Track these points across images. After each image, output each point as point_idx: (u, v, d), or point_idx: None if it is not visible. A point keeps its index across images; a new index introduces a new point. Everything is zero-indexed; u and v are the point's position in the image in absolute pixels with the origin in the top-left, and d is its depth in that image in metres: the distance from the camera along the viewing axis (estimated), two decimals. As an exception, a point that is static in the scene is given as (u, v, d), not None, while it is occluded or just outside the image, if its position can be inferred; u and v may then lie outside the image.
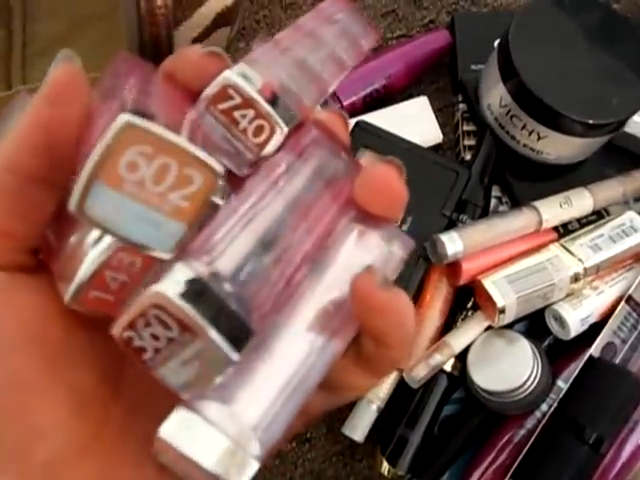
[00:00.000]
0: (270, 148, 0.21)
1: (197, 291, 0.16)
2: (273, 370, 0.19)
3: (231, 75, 0.21)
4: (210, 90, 0.21)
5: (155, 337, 0.16)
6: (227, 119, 0.21)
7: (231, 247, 0.18)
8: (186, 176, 0.17)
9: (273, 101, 0.21)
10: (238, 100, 0.21)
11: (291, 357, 0.19)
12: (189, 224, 0.18)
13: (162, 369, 0.17)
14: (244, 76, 0.21)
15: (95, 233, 0.18)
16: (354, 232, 0.22)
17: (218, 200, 0.19)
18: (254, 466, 0.17)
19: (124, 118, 0.17)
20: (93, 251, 0.18)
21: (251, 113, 0.21)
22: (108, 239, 0.18)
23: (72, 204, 0.17)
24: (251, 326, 0.17)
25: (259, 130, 0.21)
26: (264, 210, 0.19)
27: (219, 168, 0.18)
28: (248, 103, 0.21)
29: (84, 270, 0.18)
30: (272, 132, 0.21)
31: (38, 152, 0.19)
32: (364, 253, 0.22)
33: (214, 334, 0.16)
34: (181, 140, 0.17)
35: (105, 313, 0.19)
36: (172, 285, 0.16)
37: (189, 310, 0.16)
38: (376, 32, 0.27)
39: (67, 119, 0.19)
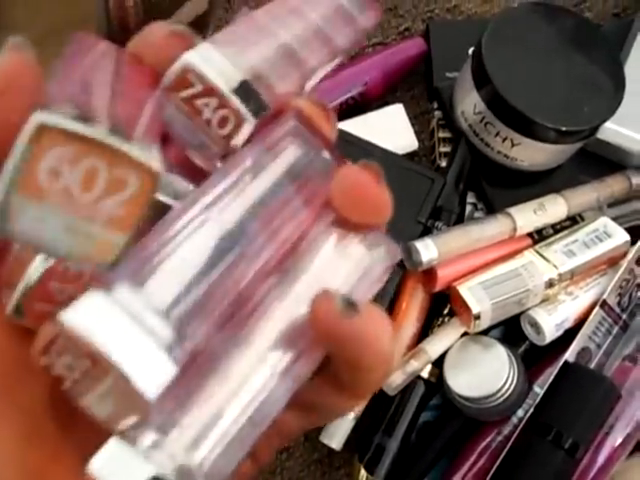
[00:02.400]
0: (236, 141, 0.19)
1: (111, 322, 0.15)
2: (226, 396, 0.17)
3: (191, 59, 0.18)
4: (169, 76, 0.18)
5: (70, 368, 0.15)
6: (189, 108, 0.18)
7: (167, 267, 0.16)
8: (118, 179, 0.15)
9: (239, 88, 0.19)
10: (199, 87, 0.18)
11: (248, 382, 0.17)
12: (128, 233, 0.16)
13: (84, 399, 0.15)
14: (207, 59, 0.18)
15: None
16: (332, 238, 0.19)
17: (167, 200, 0.18)
18: None
19: (37, 118, 0.14)
20: (37, 259, 0.16)
21: (214, 102, 0.18)
22: None
23: None
24: (174, 362, 0.15)
25: (224, 121, 0.19)
26: (219, 215, 0.17)
27: (156, 165, 0.15)
28: (210, 91, 0.18)
29: (27, 280, 0.16)
30: (238, 123, 0.19)
31: None
32: (342, 262, 0.19)
33: (126, 371, 0.14)
34: (107, 136, 0.15)
35: None
36: (80, 314, 0.14)
37: (96, 344, 0.14)
38: (377, 8, 0.23)
39: (9, 109, 0.17)
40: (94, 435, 0.18)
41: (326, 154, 0.20)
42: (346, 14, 0.22)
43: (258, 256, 0.18)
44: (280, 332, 0.18)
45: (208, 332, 0.17)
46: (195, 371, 0.16)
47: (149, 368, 0.15)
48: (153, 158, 0.15)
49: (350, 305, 0.18)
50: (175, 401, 0.16)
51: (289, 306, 0.18)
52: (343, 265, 0.19)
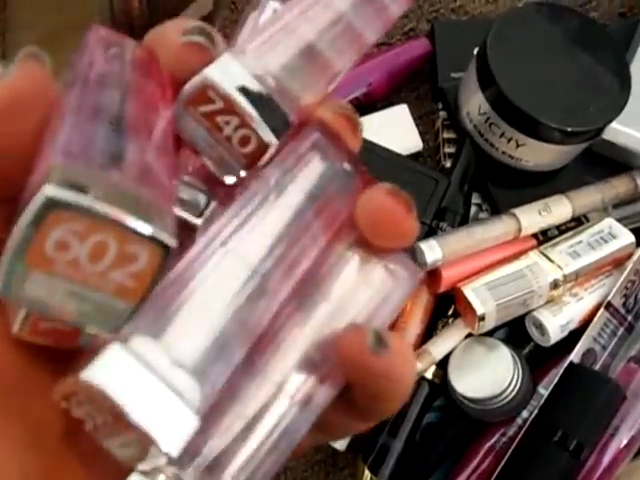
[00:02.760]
0: (258, 162, 0.18)
1: (133, 380, 0.15)
2: (245, 427, 0.17)
3: (211, 75, 0.18)
4: (188, 89, 0.18)
5: (91, 416, 0.15)
6: (209, 123, 0.18)
7: (187, 312, 0.16)
8: (129, 253, 0.15)
9: (262, 106, 0.18)
10: (220, 104, 0.18)
11: (267, 412, 0.17)
12: (137, 302, 0.15)
13: (105, 442, 0.15)
14: (228, 75, 0.18)
15: None
16: (353, 261, 0.19)
17: (189, 217, 0.18)
18: None
19: (45, 193, 0.14)
20: None
21: (235, 121, 0.18)
22: None
23: None
24: (198, 418, 0.15)
25: (245, 140, 0.18)
26: (237, 250, 0.17)
27: (168, 240, 0.15)
28: (231, 109, 0.18)
29: None
30: (260, 144, 0.18)
31: None
32: (364, 286, 0.19)
33: (150, 431, 0.14)
34: (118, 213, 0.14)
35: (61, 344, 0.17)
36: (101, 372, 0.14)
37: (119, 404, 0.14)
38: None
39: (20, 132, 0.17)
40: (97, 449, 0.18)
41: (348, 166, 0.20)
42: (377, 1, 0.21)
43: (279, 292, 0.17)
44: (299, 361, 0.18)
45: (230, 372, 0.16)
46: (214, 402, 0.16)
47: (172, 425, 0.15)
48: (165, 233, 0.15)
49: (381, 341, 0.18)
50: (195, 433, 0.16)
51: (309, 333, 0.18)
52: (365, 290, 0.19)
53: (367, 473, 0.47)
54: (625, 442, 0.45)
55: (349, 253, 0.19)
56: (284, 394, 0.17)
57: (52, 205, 0.14)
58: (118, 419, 0.14)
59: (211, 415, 0.16)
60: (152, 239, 0.15)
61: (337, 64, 0.20)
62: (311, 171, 0.19)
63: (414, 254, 0.45)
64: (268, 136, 0.18)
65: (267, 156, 0.18)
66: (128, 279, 0.15)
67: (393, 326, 0.47)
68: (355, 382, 0.19)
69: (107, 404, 0.14)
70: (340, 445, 0.47)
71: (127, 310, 0.15)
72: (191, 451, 0.16)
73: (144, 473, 0.15)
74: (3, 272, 0.14)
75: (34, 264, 0.14)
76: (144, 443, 0.15)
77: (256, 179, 0.18)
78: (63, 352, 0.18)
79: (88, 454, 0.19)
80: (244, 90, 0.18)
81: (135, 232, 0.14)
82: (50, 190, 0.14)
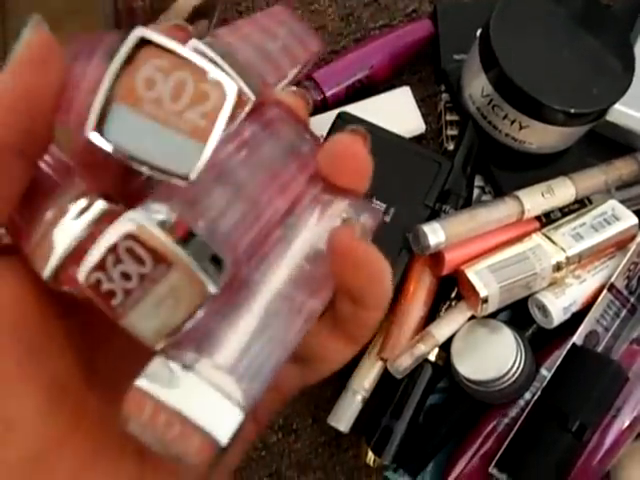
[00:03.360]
0: (236, 118, 0.20)
1: (171, 223, 0.16)
2: (253, 323, 0.18)
3: (195, 42, 0.20)
4: None
5: (126, 275, 0.16)
6: None
7: (204, 194, 0.18)
8: (202, 92, 0.17)
9: (242, 72, 0.20)
10: None
11: (270, 311, 0.19)
12: (207, 143, 0.17)
13: (132, 314, 0.16)
14: (209, 45, 0.20)
15: (77, 205, 0.18)
16: (321, 202, 0.21)
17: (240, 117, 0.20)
18: (239, 417, 0.17)
19: (137, 32, 0.16)
20: (75, 224, 0.17)
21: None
22: (91, 212, 0.18)
23: (89, 128, 0.16)
24: (226, 261, 0.17)
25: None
26: (229, 169, 0.19)
27: (232, 85, 0.17)
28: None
29: (65, 244, 0.17)
30: (239, 97, 0.20)
31: (19, 121, 0.18)
32: (331, 221, 0.21)
33: (192, 262, 0.16)
34: (194, 55, 0.17)
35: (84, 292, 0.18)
36: (146, 214, 0.16)
37: (165, 237, 0.16)
38: (320, 38, 0.28)
39: (47, 85, 0.18)
40: (113, 401, 0.19)
41: (308, 136, 0.22)
42: (299, 38, 0.26)
43: (266, 206, 0.20)
44: (290, 275, 0.20)
45: (237, 244, 0.18)
46: (226, 299, 0.18)
47: (208, 265, 0.16)
48: (231, 79, 0.17)
49: (365, 234, 0.21)
50: (210, 325, 0.17)
51: (291, 260, 0.20)
52: (332, 225, 0.21)
53: (371, 454, 0.48)
54: (627, 423, 0.45)
55: (318, 197, 0.21)
56: (284, 298, 0.19)
57: (143, 42, 0.16)
58: (159, 258, 0.16)
59: (223, 310, 0.18)
60: (219, 81, 0.17)
61: (282, 64, 0.24)
62: (279, 134, 0.21)
63: (417, 237, 0.45)
64: (248, 92, 0.20)
65: (245, 110, 0.20)
66: (200, 119, 0.17)
67: (396, 307, 0.47)
68: (341, 274, 0.21)
69: (151, 241, 0.16)
70: (344, 427, 0.47)
71: (198, 151, 0.17)
72: (208, 340, 0.17)
73: (165, 353, 0.17)
74: (97, 111, 0.16)
75: (125, 101, 0.16)
76: (181, 285, 0.16)
77: (230, 132, 0.20)
78: (83, 304, 0.19)
79: (103, 407, 0.20)
80: (225, 56, 0.20)
81: (207, 71, 0.17)
82: (141, 30, 0.16)
